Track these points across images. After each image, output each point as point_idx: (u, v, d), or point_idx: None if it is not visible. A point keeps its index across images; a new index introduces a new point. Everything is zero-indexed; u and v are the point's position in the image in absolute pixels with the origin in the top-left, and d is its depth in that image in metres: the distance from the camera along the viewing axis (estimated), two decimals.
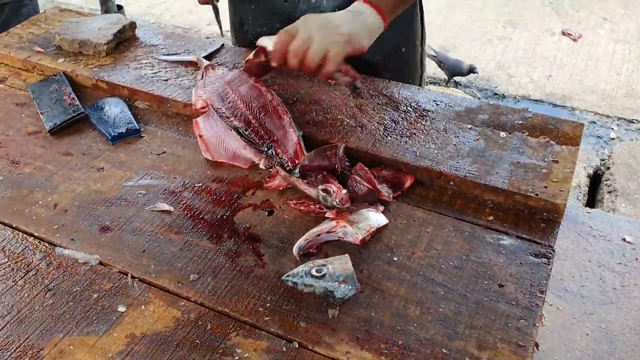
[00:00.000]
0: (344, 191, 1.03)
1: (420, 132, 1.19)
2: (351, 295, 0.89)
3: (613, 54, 3.95)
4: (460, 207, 1.06)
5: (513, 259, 0.96)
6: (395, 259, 0.96)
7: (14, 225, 1.02)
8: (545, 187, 1.05)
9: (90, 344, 0.84)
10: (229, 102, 1.22)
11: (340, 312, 0.88)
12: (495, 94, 3.65)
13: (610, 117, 3.42)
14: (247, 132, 1.16)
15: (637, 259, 1.06)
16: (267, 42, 1.20)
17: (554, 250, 0.98)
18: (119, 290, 0.91)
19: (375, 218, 1.01)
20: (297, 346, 0.84)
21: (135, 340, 0.84)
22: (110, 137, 1.20)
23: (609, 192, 2.83)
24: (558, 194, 1.04)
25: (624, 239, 1.09)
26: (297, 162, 1.11)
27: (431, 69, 3.84)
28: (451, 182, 1.09)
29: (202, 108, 1.23)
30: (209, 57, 1.42)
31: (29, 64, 1.43)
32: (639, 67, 3.80)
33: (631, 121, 3.38)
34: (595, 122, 3.38)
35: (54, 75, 1.37)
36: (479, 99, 3.52)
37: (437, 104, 1.27)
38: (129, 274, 0.93)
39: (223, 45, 1.47)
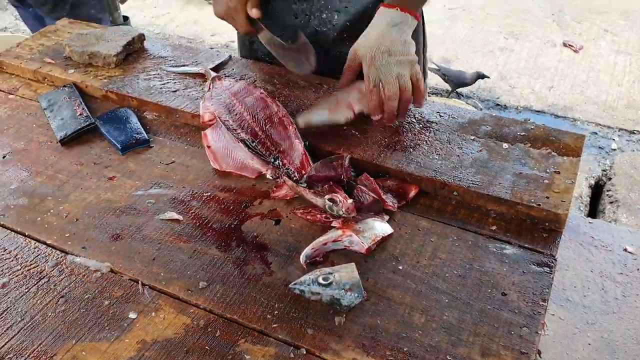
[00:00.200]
0: (350, 201, 1.05)
1: (425, 143, 1.21)
2: (357, 303, 0.91)
3: (614, 65, 3.97)
4: (463, 217, 1.08)
5: (516, 268, 0.98)
6: (400, 267, 0.98)
7: (27, 234, 1.04)
8: (547, 198, 1.07)
9: (102, 350, 0.85)
10: (236, 114, 1.24)
11: (346, 319, 0.90)
12: (497, 104, 3.67)
13: (611, 128, 3.44)
14: (254, 144, 1.18)
15: (638, 269, 1.07)
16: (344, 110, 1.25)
17: (555, 260, 0.99)
18: (129, 297, 0.93)
19: (380, 227, 1.03)
20: (304, 353, 0.85)
21: (146, 347, 0.86)
22: (120, 147, 1.22)
23: (611, 202, 2.84)
24: (560, 205, 1.05)
25: (625, 249, 1.10)
26: (303, 172, 1.13)
27: (434, 80, 3.87)
28: (455, 193, 1.11)
29: (209, 120, 1.25)
30: (216, 68, 1.44)
31: (39, 75, 1.46)
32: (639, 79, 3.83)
33: (632, 132, 3.40)
34: (596, 133, 3.40)
35: (65, 86, 1.40)
36: (480, 109, 3.54)
37: (440, 116, 1.29)
38: (140, 282, 0.95)
39: (230, 57, 1.50)
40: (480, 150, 1.19)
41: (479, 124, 1.27)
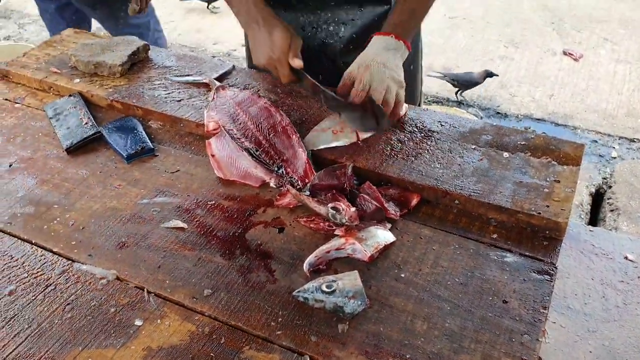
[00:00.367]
0: (353, 209, 1.06)
1: (426, 152, 1.23)
2: (360, 311, 0.92)
3: (614, 73, 3.99)
4: (465, 225, 1.10)
5: (516, 275, 0.99)
6: (402, 275, 0.99)
7: (33, 242, 1.06)
8: (547, 206, 1.08)
9: (109, 356, 0.87)
10: (240, 124, 1.26)
11: (349, 326, 0.91)
12: (498, 113, 3.69)
13: (611, 136, 3.45)
14: (257, 153, 1.20)
15: (639, 277, 1.07)
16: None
17: (556, 267, 1.01)
18: (135, 305, 0.94)
19: (383, 235, 1.04)
20: (308, 359, 0.86)
21: (151, 353, 0.87)
22: (125, 156, 1.24)
23: (611, 210, 2.85)
24: (560, 213, 1.07)
25: (626, 257, 1.11)
26: (306, 180, 1.15)
27: (435, 87, 3.89)
28: (456, 201, 1.12)
29: (214, 129, 1.27)
30: (220, 78, 1.46)
31: (45, 84, 1.47)
32: (639, 87, 3.84)
33: (632, 140, 3.41)
34: (596, 141, 3.41)
35: (70, 95, 1.42)
36: (481, 118, 3.56)
37: (442, 125, 1.31)
38: (145, 289, 0.97)
39: (234, 67, 1.51)
40: (481, 159, 1.20)
41: (480, 133, 1.28)
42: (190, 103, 1.38)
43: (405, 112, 1.33)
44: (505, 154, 1.22)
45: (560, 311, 1.01)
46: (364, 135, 1.26)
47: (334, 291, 0.92)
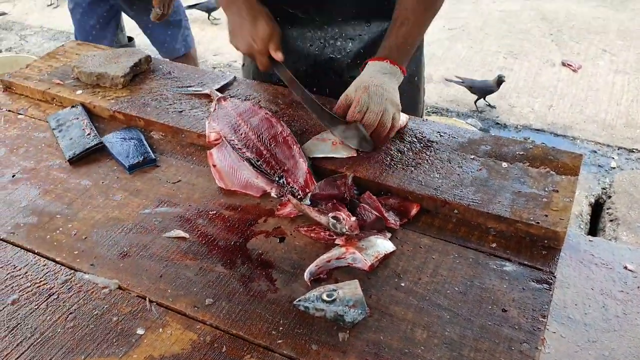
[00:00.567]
0: (353, 219, 1.07)
1: (425, 162, 1.24)
2: (360, 319, 0.93)
3: (613, 84, 4.01)
4: (464, 235, 1.10)
5: (515, 284, 1.00)
6: (402, 284, 1.00)
7: (36, 251, 1.06)
8: (546, 216, 1.09)
9: None
10: (241, 134, 1.27)
11: (350, 335, 0.91)
12: (497, 123, 3.70)
13: (610, 147, 3.47)
14: (258, 163, 1.21)
15: (639, 287, 1.08)
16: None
17: (554, 277, 1.01)
18: (137, 314, 0.95)
19: (383, 245, 1.05)
20: None
21: None
22: (127, 167, 1.25)
23: (611, 220, 2.85)
24: (558, 222, 1.08)
25: (625, 267, 1.11)
26: (307, 190, 1.16)
27: (434, 97, 3.91)
28: (455, 211, 1.13)
29: (215, 140, 1.28)
30: (221, 89, 1.47)
31: (48, 96, 1.49)
32: (638, 98, 3.86)
33: (631, 150, 3.43)
34: (596, 152, 3.43)
35: (73, 106, 1.43)
36: (480, 129, 3.58)
37: (441, 135, 1.32)
38: (147, 298, 0.97)
39: (235, 78, 1.53)
40: (480, 169, 1.21)
41: (479, 143, 1.29)
42: (192, 114, 1.39)
43: (406, 123, 1.34)
44: (504, 164, 1.23)
45: (561, 321, 1.01)
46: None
47: (334, 300, 0.93)
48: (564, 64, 4.25)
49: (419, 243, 1.08)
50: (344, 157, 1.24)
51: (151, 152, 1.29)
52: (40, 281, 1.01)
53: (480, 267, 1.03)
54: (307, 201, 1.14)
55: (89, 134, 1.33)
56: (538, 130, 3.63)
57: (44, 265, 1.04)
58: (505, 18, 4.99)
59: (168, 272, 1.02)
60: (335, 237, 1.07)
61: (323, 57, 1.53)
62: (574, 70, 4.18)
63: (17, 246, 1.08)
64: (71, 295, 0.98)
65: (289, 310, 0.95)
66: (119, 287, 1.00)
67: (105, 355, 0.89)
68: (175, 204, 1.17)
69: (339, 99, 1.29)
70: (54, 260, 1.05)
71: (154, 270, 1.02)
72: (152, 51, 4.40)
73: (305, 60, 1.53)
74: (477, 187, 1.17)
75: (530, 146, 1.28)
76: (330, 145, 1.26)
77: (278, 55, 1.35)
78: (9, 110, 1.47)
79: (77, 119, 1.38)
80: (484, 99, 3.78)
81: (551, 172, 1.20)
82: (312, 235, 1.09)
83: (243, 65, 1.76)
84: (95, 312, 0.95)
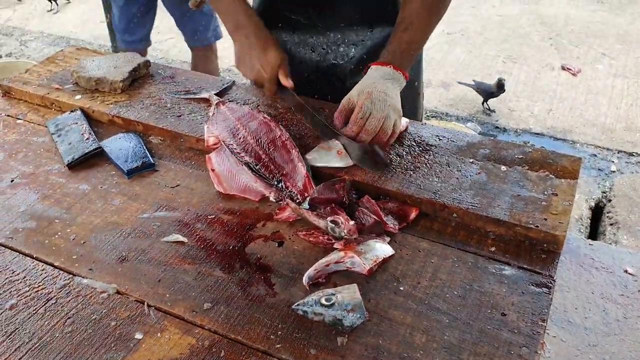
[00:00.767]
0: (352, 223, 1.07)
1: (424, 165, 1.24)
2: (359, 324, 0.92)
3: (612, 88, 4.01)
4: (463, 238, 1.10)
5: (515, 288, 0.99)
6: (401, 288, 1.00)
7: (35, 256, 1.06)
8: (545, 220, 1.09)
9: None
10: (240, 138, 1.27)
11: (348, 339, 0.91)
12: (497, 127, 3.70)
13: (610, 150, 3.46)
14: (257, 167, 1.21)
15: (639, 291, 1.08)
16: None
17: (554, 280, 1.01)
18: (135, 318, 0.95)
19: (381, 249, 1.05)
20: None
21: None
22: (125, 171, 1.25)
23: (611, 224, 2.85)
24: (558, 226, 1.07)
25: (626, 271, 1.11)
26: (306, 194, 1.16)
27: (434, 102, 3.91)
28: (454, 214, 1.13)
29: (214, 144, 1.28)
30: (220, 93, 1.47)
31: (47, 100, 1.49)
32: (637, 101, 3.86)
33: (631, 154, 3.43)
34: (595, 155, 3.43)
35: (72, 111, 1.43)
36: (480, 132, 3.58)
37: (440, 139, 1.32)
38: (145, 303, 0.97)
39: (234, 82, 1.53)
40: (479, 173, 1.21)
41: (478, 147, 1.29)
42: (191, 118, 1.39)
43: (406, 127, 1.34)
44: (503, 168, 1.23)
45: (561, 325, 1.00)
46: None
47: (333, 304, 0.93)
48: (563, 68, 4.25)
49: (417, 247, 1.08)
50: (349, 165, 1.23)
51: (150, 157, 1.29)
52: (39, 286, 1.00)
53: (480, 271, 1.03)
54: (306, 205, 1.14)
55: (87, 139, 1.33)
56: (537, 134, 3.63)
57: (43, 270, 1.03)
58: (505, 22, 4.99)
59: (166, 277, 1.02)
60: (334, 241, 1.07)
61: (325, 63, 1.53)
62: (574, 74, 4.18)
63: (16, 251, 1.08)
64: (69, 300, 0.98)
65: (288, 315, 0.95)
66: (118, 292, 0.99)
67: None
68: (174, 209, 1.17)
69: (341, 102, 1.28)
70: (52, 265, 1.05)
71: (152, 274, 1.02)
72: (150, 56, 4.41)
73: (307, 67, 1.53)
74: (476, 190, 1.17)
75: (530, 149, 1.28)
76: (335, 154, 1.25)
77: (289, 83, 1.34)
78: (8, 115, 1.47)
79: (76, 123, 1.38)
80: (486, 102, 3.79)
81: (550, 175, 1.20)
82: (310, 239, 1.08)
83: None
84: (94, 317, 0.95)
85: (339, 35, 1.49)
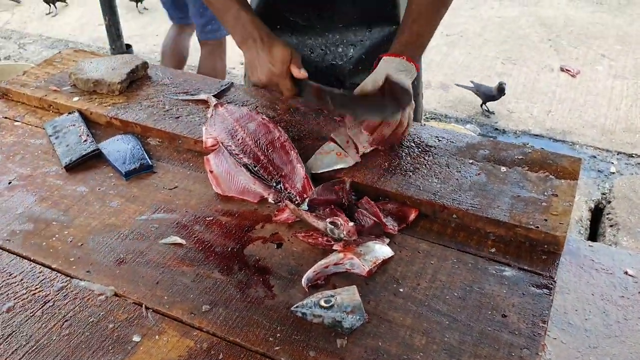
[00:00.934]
0: (351, 224, 1.06)
1: (424, 166, 1.23)
2: (359, 325, 0.92)
3: (611, 89, 4.01)
4: (463, 240, 1.10)
5: (515, 289, 0.99)
6: (401, 290, 0.99)
7: (32, 258, 1.06)
8: (546, 220, 1.08)
9: None
10: (238, 140, 1.26)
11: (348, 341, 0.90)
12: (496, 129, 3.70)
13: (610, 152, 3.46)
14: (256, 169, 1.20)
15: (639, 292, 1.07)
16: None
17: (555, 281, 1.01)
18: (133, 321, 0.94)
19: (381, 250, 1.04)
20: None
21: None
22: (123, 173, 1.24)
23: (611, 225, 2.85)
24: (558, 227, 1.07)
25: (626, 272, 1.11)
26: (305, 196, 1.15)
27: (433, 104, 3.91)
28: (454, 215, 1.13)
29: (212, 146, 1.27)
30: (218, 95, 1.47)
31: (45, 103, 1.48)
32: (637, 102, 3.86)
33: (631, 155, 3.42)
34: (595, 157, 3.42)
35: (69, 113, 1.43)
36: (479, 134, 3.58)
37: (439, 140, 1.31)
38: (143, 305, 0.96)
39: (232, 84, 1.52)
40: (479, 174, 1.21)
41: (477, 147, 1.29)
42: (189, 120, 1.38)
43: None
44: (503, 168, 1.22)
45: (561, 327, 1.00)
46: (362, 149, 1.26)
47: (332, 306, 0.92)
48: (562, 69, 4.26)
49: (417, 248, 1.07)
50: (350, 165, 1.23)
51: (148, 159, 1.28)
52: (36, 288, 1.00)
53: (480, 272, 1.02)
54: (305, 207, 1.13)
55: (85, 141, 1.32)
56: (537, 135, 3.63)
57: (40, 273, 1.03)
58: (504, 24, 5.00)
59: (164, 279, 1.01)
60: (333, 242, 1.06)
61: (324, 63, 1.52)
62: (573, 76, 4.18)
63: (13, 253, 1.07)
64: (67, 303, 0.97)
65: (287, 317, 0.94)
66: (115, 294, 0.99)
67: None
68: (172, 210, 1.16)
69: (354, 91, 1.27)
70: (49, 267, 1.04)
71: (150, 276, 1.02)
72: (149, 58, 4.41)
73: (306, 68, 1.52)
74: (476, 191, 1.16)
75: (529, 150, 1.28)
76: (335, 157, 1.24)
77: (302, 74, 1.29)
78: (6, 117, 1.46)
79: (74, 125, 1.38)
80: (485, 104, 3.79)
81: (550, 176, 1.20)
82: (309, 240, 1.08)
83: (245, 75, 1.75)
84: (91, 320, 0.94)
85: (337, 35, 1.49)
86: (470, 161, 1.25)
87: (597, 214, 3.01)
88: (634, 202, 2.95)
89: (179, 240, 1.09)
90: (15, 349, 0.89)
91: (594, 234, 2.91)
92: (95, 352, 0.89)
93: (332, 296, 0.94)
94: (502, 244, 1.08)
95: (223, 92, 1.49)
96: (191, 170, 1.27)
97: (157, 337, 0.91)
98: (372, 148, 1.26)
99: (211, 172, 1.23)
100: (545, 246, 1.07)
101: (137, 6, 5.36)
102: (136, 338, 0.91)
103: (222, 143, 1.26)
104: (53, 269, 1.03)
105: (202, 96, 1.46)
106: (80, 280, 1.01)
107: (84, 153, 1.29)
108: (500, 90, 3.65)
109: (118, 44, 3.53)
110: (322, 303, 0.92)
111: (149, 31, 5.03)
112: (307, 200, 1.14)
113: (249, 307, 0.96)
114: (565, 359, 0.96)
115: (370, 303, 0.96)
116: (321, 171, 1.22)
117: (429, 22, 1.35)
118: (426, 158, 1.26)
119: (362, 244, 1.05)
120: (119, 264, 1.04)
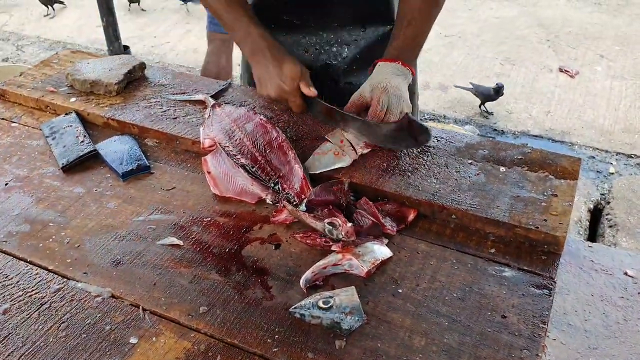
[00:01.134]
0: (349, 225, 1.06)
1: (422, 167, 1.22)
2: (357, 327, 0.91)
3: (610, 90, 4.01)
4: (462, 240, 1.09)
5: (515, 290, 0.98)
6: (400, 290, 0.98)
7: (29, 260, 1.05)
8: (545, 220, 1.08)
9: None
10: (236, 140, 1.26)
11: (347, 343, 0.90)
12: (495, 130, 3.70)
13: (609, 152, 3.46)
14: (253, 169, 1.20)
15: (639, 293, 1.07)
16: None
17: (555, 282, 1.00)
18: (130, 323, 0.93)
19: (379, 251, 1.04)
20: None
21: None
22: (120, 174, 1.24)
23: (610, 226, 2.84)
24: (558, 227, 1.06)
25: (625, 273, 1.10)
26: (303, 196, 1.14)
27: (432, 105, 3.90)
28: (453, 216, 1.12)
29: (210, 146, 1.27)
30: (215, 96, 1.46)
31: (42, 103, 1.48)
32: (635, 103, 3.86)
33: (630, 156, 3.42)
34: (594, 157, 3.42)
35: (67, 113, 1.42)
36: (477, 135, 3.58)
37: (438, 140, 1.31)
38: (141, 307, 0.96)
39: (230, 84, 1.52)
40: (478, 174, 1.20)
41: (476, 148, 1.28)
42: (186, 120, 1.38)
43: None
44: (502, 169, 1.22)
45: (561, 328, 0.99)
46: (360, 148, 1.25)
47: (330, 307, 0.91)
48: (561, 70, 4.26)
49: (416, 249, 1.07)
50: (350, 164, 1.23)
51: (145, 159, 1.28)
52: (32, 290, 0.99)
53: (479, 273, 1.02)
54: (303, 207, 1.12)
55: (82, 142, 1.31)
56: (536, 136, 3.63)
57: (36, 274, 1.02)
58: (502, 24, 5.00)
59: (162, 280, 1.01)
60: (331, 243, 1.06)
61: (319, 63, 1.52)
62: (571, 76, 4.18)
63: (9, 255, 1.06)
64: (63, 304, 0.96)
65: (285, 318, 0.93)
66: (112, 296, 0.98)
67: None
68: (169, 211, 1.15)
69: (352, 97, 1.28)
70: (46, 269, 1.03)
71: (147, 278, 1.01)
72: (146, 59, 4.41)
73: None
74: (475, 191, 1.15)
75: (529, 150, 1.27)
76: (333, 156, 1.24)
77: (312, 92, 1.31)
78: (3, 119, 1.45)
79: (71, 126, 1.37)
80: (484, 105, 3.79)
81: (550, 176, 1.19)
82: (307, 241, 1.07)
83: (240, 75, 1.75)
84: (88, 321, 0.94)
85: (332, 35, 1.49)
86: (470, 161, 1.24)
87: (596, 214, 3.01)
88: (633, 203, 2.95)
89: (176, 241, 1.08)
90: (12, 351, 0.89)
91: (593, 235, 2.91)
92: (92, 354, 0.88)
93: (331, 297, 0.93)
94: (502, 245, 1.08)
95: (220, 92, 1.49)
96: (189, 171, 1.27)
97: (154, 338, 0.91)
98: (369, 149, 1.26)
99: (209, 173, 1.22)
100: (545, 246, 1.06)
101: (129, 7, 5.34)
102: (133, 340, 0.90)
103: (219, 144, 1.26)
104: (50, 271, 1.03)
105: (200, 97, 1.45)
106: (77, 281, 1.00)
107: (81, 154, 1.28)
108: (498, 92, 3.66)
109: (116, 46, 3.53)
110: (321, 304, 0.92)
111: (146, 32, 5.02)
112: (305, 200, 1.13)
113: (247, 308, 0.95)
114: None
115: (369, 304, 0.96)
116: (319, 171, 1.21)
117: (422, 24, 1.35)
118: (425, 158, 1.25)
119: (360, 244, 1.04)
120: (116, 266, 1.03)
